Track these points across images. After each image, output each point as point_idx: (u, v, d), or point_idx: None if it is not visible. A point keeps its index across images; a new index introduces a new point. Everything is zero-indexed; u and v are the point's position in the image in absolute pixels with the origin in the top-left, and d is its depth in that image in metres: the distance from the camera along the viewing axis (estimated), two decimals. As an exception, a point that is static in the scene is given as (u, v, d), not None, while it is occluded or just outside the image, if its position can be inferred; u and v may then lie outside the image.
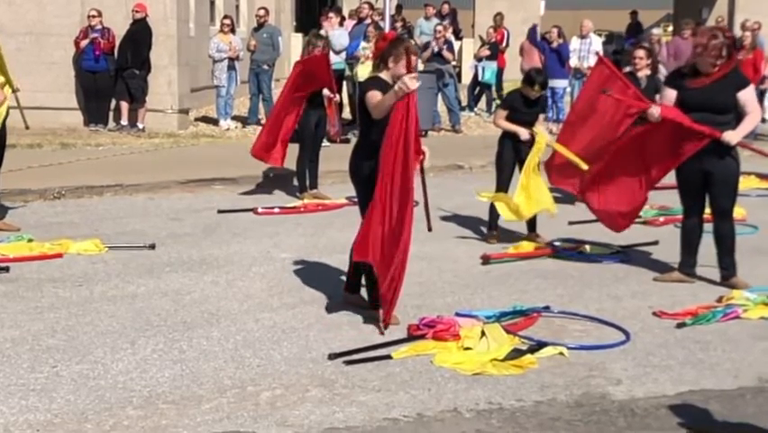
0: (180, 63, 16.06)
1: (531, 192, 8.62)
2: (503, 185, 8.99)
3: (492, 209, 9.00)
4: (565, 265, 8.19)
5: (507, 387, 5.34)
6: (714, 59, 7.11)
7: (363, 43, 15.67)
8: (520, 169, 8.87)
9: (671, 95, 7.35)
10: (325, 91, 11.07)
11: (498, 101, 19.83)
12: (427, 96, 16.32)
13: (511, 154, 8.91)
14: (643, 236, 9.20)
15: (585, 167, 8.34)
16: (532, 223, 8.98)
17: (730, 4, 23.07)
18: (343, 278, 7.17)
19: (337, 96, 11.89)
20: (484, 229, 9.38)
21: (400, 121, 6.10)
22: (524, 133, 8.72)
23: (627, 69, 10.36)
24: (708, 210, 7.57)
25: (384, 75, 6.43)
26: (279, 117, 10.79)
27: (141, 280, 7.45)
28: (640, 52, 10.19)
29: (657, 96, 10.16)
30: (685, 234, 7.61)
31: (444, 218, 9.99)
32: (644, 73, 10.09)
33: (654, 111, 7.28)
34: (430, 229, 6.76)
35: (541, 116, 9.02)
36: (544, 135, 8.76)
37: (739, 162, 7.40)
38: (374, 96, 6.30)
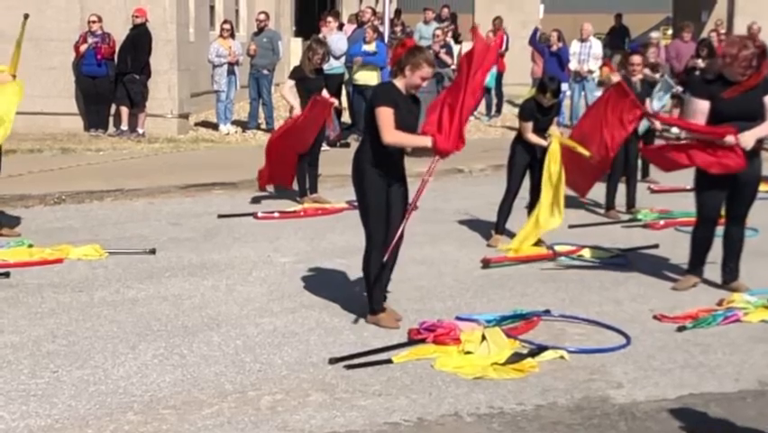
0: (180, 68, 16.06)
1: (549, 207, 8.62)
2: (513, 189, 9.01)
3: (501, 212, 9.03)
4: (565, 269, 8.19)
5: (508, 391, 5.34)
6: (744, 69, 7.03)
7: (365, 47, 15.73)
8: (530, 172, 8.92)
9: (704, 106, 7.15)
10: (325, 93, 11.13)
11: (495, 104, 19.88)
12: (426, 101, 16.25)
13: (523, 158, 8.94)
14: (643, 240, 9.20)
15: (587, 153, 8.43)
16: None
17: (729, 7, 23.06)
18: (343, 279, 7.20)
19: (336, 100, 11.90)
20: (484, 233, 9.40)
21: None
22: (544, 143, 8.78)
23: (622, 72, 10.43)
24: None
25: (399, 82, 6.34)
26: (283, 154, 10.83)
27: (141, 285, 7.45)
28: (636, 58, 10.45)
29: (647, 101, 10.24)
30: (702, 243, 7.48)
31: (444, 222, 9.99)
32: (638, 78, 10.31)
33: (731, 139, 7.03)
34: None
35: (555, 120, 9.06)
36: (556, 137, 8.75)
37: (762, 166, 7.41)
38: (387, 114, 6.16)
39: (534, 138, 8.84)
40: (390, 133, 6.19)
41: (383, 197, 6.35)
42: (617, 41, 23.46)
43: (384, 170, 6.33)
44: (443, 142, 6.24)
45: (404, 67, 6.29)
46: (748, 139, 7.06)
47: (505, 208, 9.07)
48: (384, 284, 6.57)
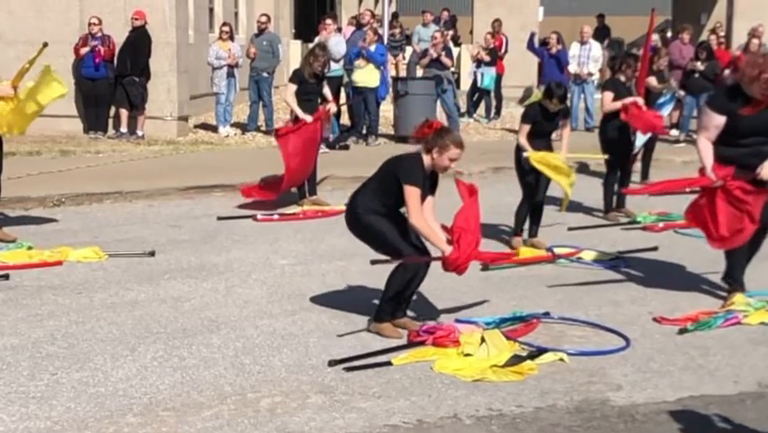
0: (179, 70, 16.06)
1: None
2: (529, 192, 9.02)
3: (519, 216, 9.04)
4: (564, 271, 8.19)
5: (507, 393, 5.34)
6: (764, 90, 6.88)
7: (361, 43, 15.75)
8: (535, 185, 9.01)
9: (719, 121, 7.02)
10: (327, 93, 11.17)
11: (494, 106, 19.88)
12: (426, 103, 16.34)
13: (529, 163, 8.93)
14: (642, 242, 9.20)
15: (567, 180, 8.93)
16: (534, 228, 9.03)
17: (729, 10, 23.07)
18: (343, 281, 7.17)
19: (334, 107, 11.81)
20: (483, 235, 9.39)
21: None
22: (528, 151, 8.86)
23: (620, 77, 10.45)
24: None
25: (426, 159, 6.31)
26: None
27: (140, 287, 7.45)
28: (637, 64, 10.49)
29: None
30: (740, 249, 7.26)
31: (444, 224, 9.96)
32: (632, 82, 10.41)
33: (719, 183, 6.99)
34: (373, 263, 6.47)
35: (567, 132, 9.14)
36: (532, 157, 8.81)
37: None
38: (416, 195, 6.17)
39: (523, 142, 8.89)
40: (419, 217, 6.19)
41: (388, 222, 6.34)
42: (599, 41, 23.54)
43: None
44: (455, 260, 6.25)
45: (431, 148, 6.28)
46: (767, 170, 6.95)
47: (522, 213, 9.06)
48: (404, 301, 6.51)
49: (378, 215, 6.35)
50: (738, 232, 7.06)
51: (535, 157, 8.80)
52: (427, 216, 6.36)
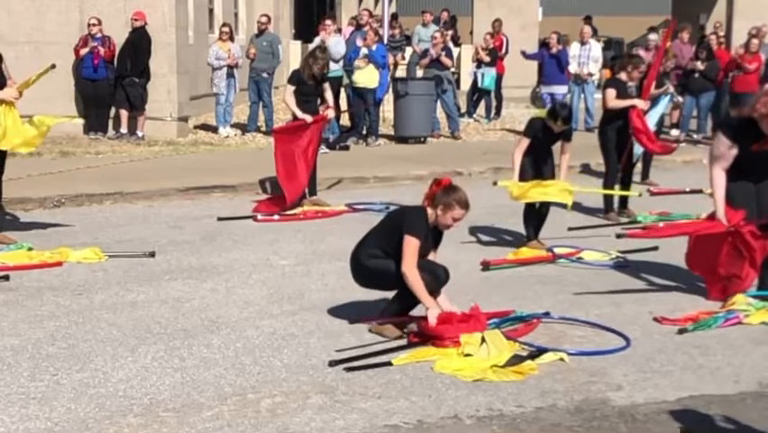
0: (179, 71, 16.06)
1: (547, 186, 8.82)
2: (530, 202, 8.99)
3: (527, 222, 9.01)
4: (565, 271, 8.20)
5: (508, 393, 5.34)
6: None
7: (359, 41, 15.75)
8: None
9: (733, 152, 7.05)
10: (329, 96, 11.17)
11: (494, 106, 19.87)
12: (426, 103, 16.35)
13: (530, 168, 8.90)
14: (642, 242, 9.18)
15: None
16: (535, 229, 9.01)
17: (728, 10, 23.10)
18: (343, 281, 7.19)
19: (332, 113, 11.73)
20: (483, 235, 9.41)
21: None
22: (517, 165, 8.88)
23: (622, 76, 10.44)
24: None
25: (430, 214, 6.31)
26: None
27: (140, 288, 7.45)
28: (643, 68, 10.55)
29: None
30: None
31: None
32: (633, 83, 10.43)
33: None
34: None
35: (566, 159, 9.09)
36: (508, 186, 8.82)
37: None
38: (414, 246, 6.14)
39: (517, 156, 8.85)
40: (412, 268, 6.14)
41: (391, 260, 6.29)
42: None
43: None
44: (429, 331, 6.10)
45: (437, 205, 6.28)
46: None
47: (530, 219, 9.02)
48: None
49: (380, 258, 6.35)
50: (737, 278, 7.14)
51: (512, 187, 8.74)
52: None
